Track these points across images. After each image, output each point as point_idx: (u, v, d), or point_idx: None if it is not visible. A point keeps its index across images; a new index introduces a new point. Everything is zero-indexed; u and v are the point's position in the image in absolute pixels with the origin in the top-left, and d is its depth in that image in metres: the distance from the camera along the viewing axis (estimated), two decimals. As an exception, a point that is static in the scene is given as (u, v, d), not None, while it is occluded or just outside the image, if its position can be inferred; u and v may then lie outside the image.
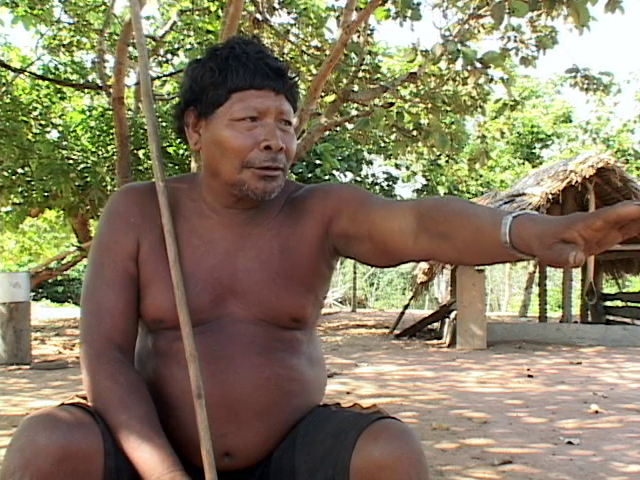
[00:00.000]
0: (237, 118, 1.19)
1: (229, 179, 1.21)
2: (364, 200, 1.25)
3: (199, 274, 1.23)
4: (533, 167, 18.72)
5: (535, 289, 15.35)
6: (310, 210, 1.28)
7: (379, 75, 9.57)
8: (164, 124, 10.44)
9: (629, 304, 10.75)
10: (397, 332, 10.49)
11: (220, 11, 8.77)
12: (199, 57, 1.27)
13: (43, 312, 18.39)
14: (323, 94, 9.07)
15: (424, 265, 10.48)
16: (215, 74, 1.20)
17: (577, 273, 12.23)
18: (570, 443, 3.30)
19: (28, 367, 6.34)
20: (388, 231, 1.17)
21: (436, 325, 10.66)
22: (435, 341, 9.47)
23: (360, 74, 9.05)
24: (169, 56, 10.87)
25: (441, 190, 18.20)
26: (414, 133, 9.60)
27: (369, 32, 8.85)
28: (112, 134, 9.94)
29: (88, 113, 11.97)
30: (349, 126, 11.42)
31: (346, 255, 1.29)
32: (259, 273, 1.24)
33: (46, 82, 11.46)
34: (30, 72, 10.80)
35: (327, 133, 11.68)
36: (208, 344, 1.20)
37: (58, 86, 11.62)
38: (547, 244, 0.89)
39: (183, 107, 1.26)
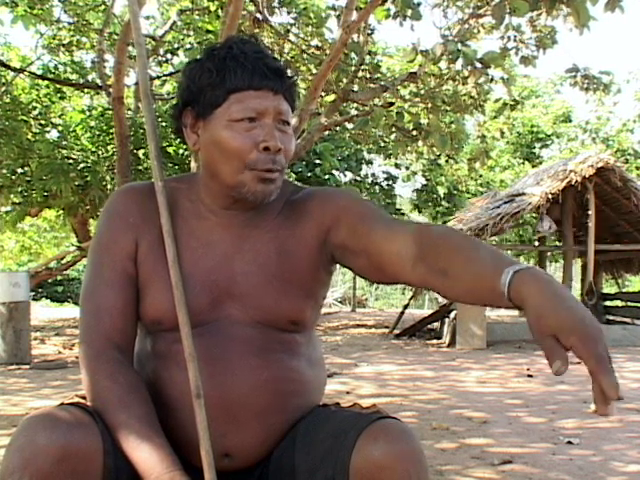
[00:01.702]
0: (235, 119, 1.18)
1: (229, 180, 1.21)
2: (366, 214, 1.23)
3: (197, 276, 1.23)
4: (533, 167, 18.70)
5: (535, 289, 15.31)
6: (310, 213, 1.27)
7: (379, 75, 9.57)
8: (164, 124, 10.44)
9: (629, 304, 10.75)
10: (397, 332, 10.48)
11: (220, 11, 8.77)
12: (197, 57, 1.26)
13: (43, 312, 18.37)
14: (323, 94, 9.06)
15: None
16: (213, 74, 1.19)
17: (577, 273, 12.24)
18: (570, 443, 3.30)
19: (28, 367, 6.34)
20: (387, 253, 1.16)
21: (436, 325, 10.65)
22: (435, 341, 9.46)
23: (360, 74, 9.05)
24: (169, 56, 10.87)
25: (441, 190, 18.19)
26: (414, 133, 9.60)
27: (369, 32, 8.85)
28: (112, 134, 9.94)
29: (88, 113, 11.97)
30: (349, 126, 11.41)
31: (342, 264, 1.29)
32: (257, 276, 1.23)
33: (46, 82, 11.46)
34: (30, 72, 10.80)
35: (327, 133, 11.69)
36: (207, 346, 1.20)
37: (58, 86, 11.62)
38: (541, 331, 0.89)
39: (181, 107, 1.25)
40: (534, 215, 11.73)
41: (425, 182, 18.54)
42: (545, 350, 0.88)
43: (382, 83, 8.95)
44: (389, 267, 1.17)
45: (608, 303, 11.49)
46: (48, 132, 11.93)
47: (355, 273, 1.29)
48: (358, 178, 16.83)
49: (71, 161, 10.88)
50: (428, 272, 1.09)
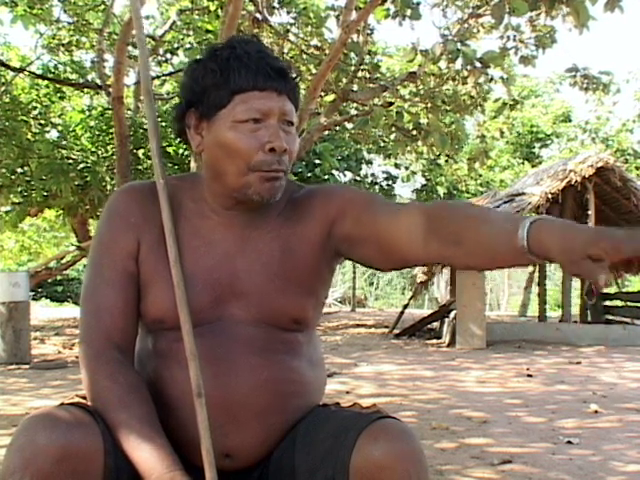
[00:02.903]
0: (240, 120, 1.18)
1: (234, 182, 1.20)
2: (369, 202, 1.24)
3: (199, 275, 1.22)
4: (532, 167, 18.71)
5: (535, 289, 15.35)
6: (312, 211, 1.27)
7: (378, 75, 9.57)
8: (163, 124, 10.45)
9: (629, 304, 10.75)
10: (396, 332, 10.49)
11: (219, 10, 8.77)
12: (199, 57, 1.25)
13: (42, 312, 18.38)
14: (323, 94, 9.07)
15: (424, 265, 10.46)
16: (217, 75, 1.19)
17: (576, 273, 12.23)
18: (569, 443, 3.30)
19: (28, 367, 6.34)
20: (396, 234, 1.16)
21: (436, 325, 10.66)
22: (435, 341, 9.47)
23: (360, 74, 9.06)
24: (168, 55, 10.89)
25: (440, 190, 18.20)
26: (414, 132, 9.61)
27: (368, 32, 8.85)
28: (111, 134, 9.94)
29: (87, 113, 11.97)
30: (349, 126, 11.42)
31: (349, 258, 1.29)
32: (259, 275, 1.23)
33: (45, 81, 11.47)
34: (29, 71, 10.81)
35: (327, 133, 11.69)
36: (208, 345, 1.19)
37: (57, 85, 11.63)
38: (573, 259, 0.90)
39: (184, 108, 1.24)
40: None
41: (425, 182, 18.55)
42: (586, 273, 0.89)
43: (382, 83, 8.96)
44: (400, 248, 1.16)
45: (608, 303, 11.50)
46: (48, 132, 11.93)
47: (363, 264, 1.29)
48: (358, 178, 16.82)
49: (71, 161, 10.88)
50: (441, 245, 1.09)
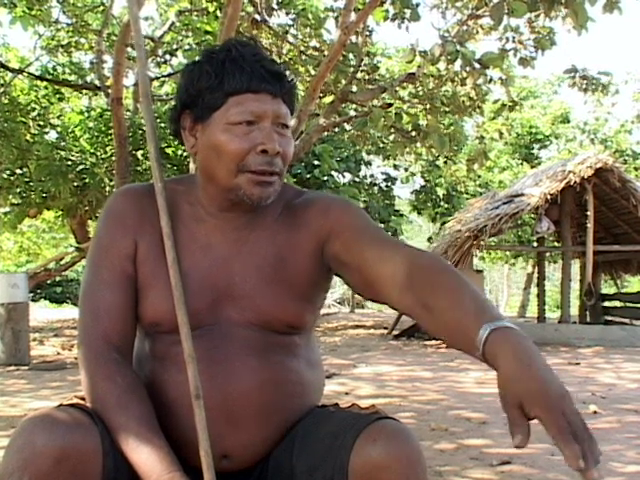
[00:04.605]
0: (234, 122, 1.18)
1: (225, 184, 1.21)
2: (361, 231, 1.23)
3: (196, 278, 1.23)
4: (531, 167, 18.69)
5: (534, 289, 15.35)
6: (307, 223, 1.27)
7: (378, 76, 9.58)
8: (163, 125, 10.44)
9: (628, 304, 10.76)
10: (395, 333, 10.49)
11: (218, 12, 8.78)
12: (195, 60, 1.26)
13: (42, 313, 18.38)
14: (322, 95, 9.07)
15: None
16: (212, 77, 1.19)
17: (576, 274, 12.26)
18: (568, 443, 3.29)
19: (27, 368, 6.33)
20: (377, 275, 1.15)
21: (435, 325, 10.64)
22: (433, 342, 9.46)
23: (359, 75, 9.06)
24: (167, 57, 10.88)
25: (439, 191, 18.20)
26: (413, 134, 9.60)
27: (367, 33, 8.86)
28: (111, 135, 9.94)
29: (86, 114, 11.96)
30: (348, 127, 11.43)
31: (338, 276, 1.29)
32: (255, 279, 1.23)
33: (44, 83, 11.47)
34: (28, 73, 10.82)
35: (326, 134, 11.69)
36: (206, 347, 1.20)
37: (56, 87, 11.64)
38: (507, 400, 0.91)
39: (179, 110, 1.25)
40: (533, 216, 11.74)
41: (424, 183, 18.54)
42: (509, 421, 0.90)
43: (381, 84, 8.96)
44: (378, 289, 1.16)
45: (607, 304, 11.50)
46: (47, 133, 11.93)
47: (349, 287, 1.29)
48: (357, 179, 16.81)
49: (70, 162, 10.87)
50: (414, 304, 1.08)
